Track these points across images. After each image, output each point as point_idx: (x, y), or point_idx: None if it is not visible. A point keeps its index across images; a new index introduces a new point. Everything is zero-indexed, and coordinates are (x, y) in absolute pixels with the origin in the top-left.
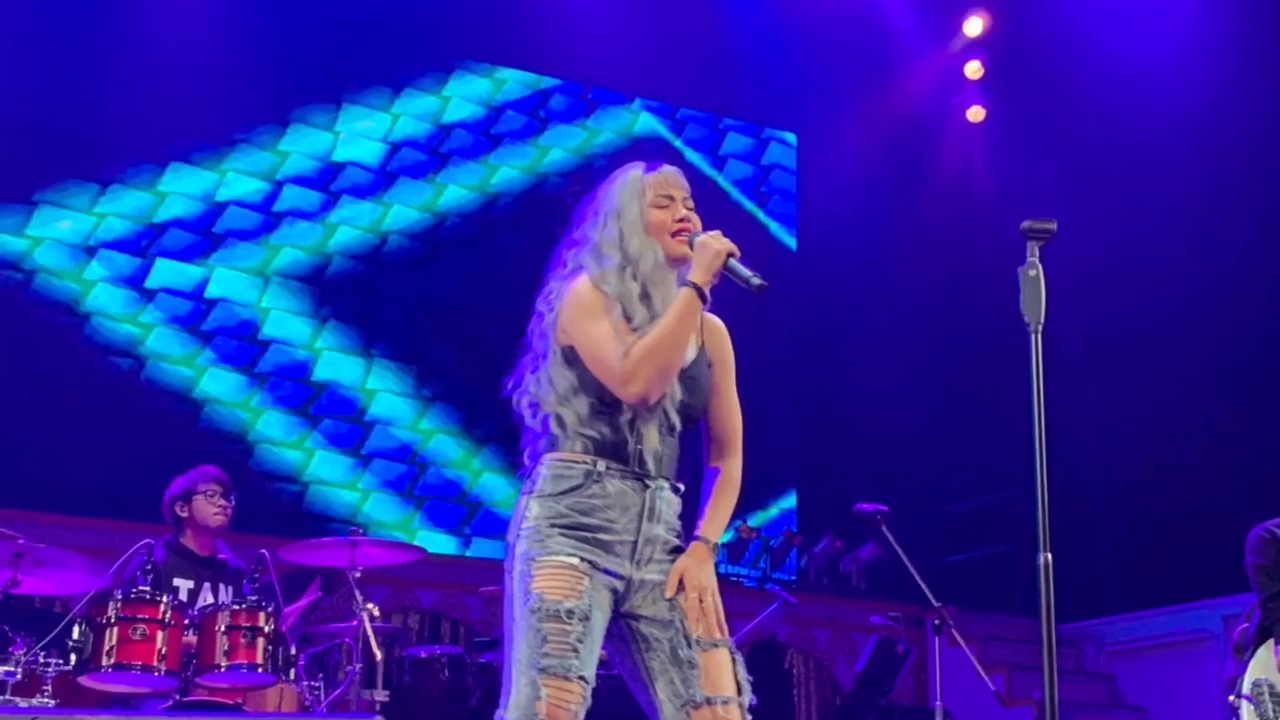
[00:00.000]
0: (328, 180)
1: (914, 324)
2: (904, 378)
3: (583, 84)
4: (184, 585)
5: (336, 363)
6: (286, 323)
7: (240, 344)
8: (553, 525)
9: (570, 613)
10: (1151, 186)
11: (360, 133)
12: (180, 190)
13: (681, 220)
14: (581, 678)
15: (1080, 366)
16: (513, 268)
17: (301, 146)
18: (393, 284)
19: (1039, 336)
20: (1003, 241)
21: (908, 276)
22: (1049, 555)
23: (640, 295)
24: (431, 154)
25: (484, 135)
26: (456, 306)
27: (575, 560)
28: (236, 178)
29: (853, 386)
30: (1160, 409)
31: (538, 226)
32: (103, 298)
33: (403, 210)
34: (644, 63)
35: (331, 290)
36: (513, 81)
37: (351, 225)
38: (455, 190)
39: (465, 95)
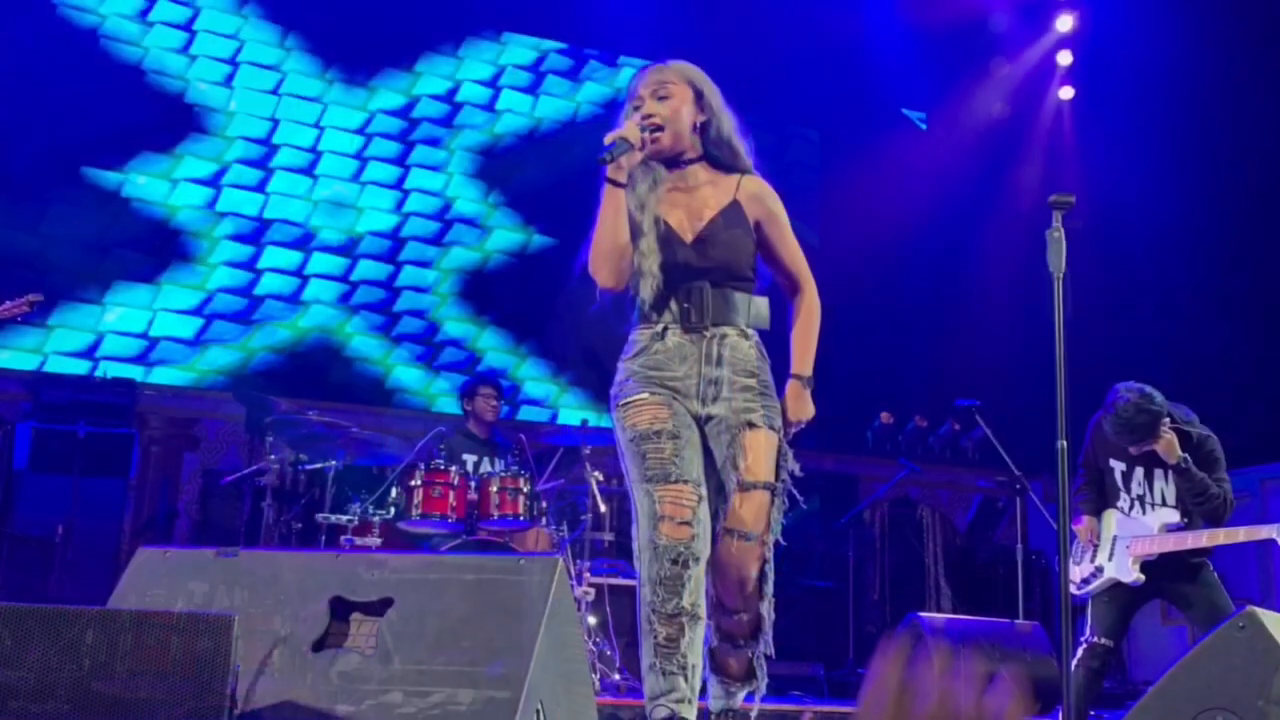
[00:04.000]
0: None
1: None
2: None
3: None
4: (469, 459)
5: None
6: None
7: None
8: (631, 377)
9: (658, 433)
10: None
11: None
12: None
13: (645, 117)
14: (685, 480)
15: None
16: None
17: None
18: None
19: (1060, 285)
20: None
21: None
22: (1064, 442)
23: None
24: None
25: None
26: None
27: (653, 395)
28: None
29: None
30: None
31: None
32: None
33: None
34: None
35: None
36: (550, 52)
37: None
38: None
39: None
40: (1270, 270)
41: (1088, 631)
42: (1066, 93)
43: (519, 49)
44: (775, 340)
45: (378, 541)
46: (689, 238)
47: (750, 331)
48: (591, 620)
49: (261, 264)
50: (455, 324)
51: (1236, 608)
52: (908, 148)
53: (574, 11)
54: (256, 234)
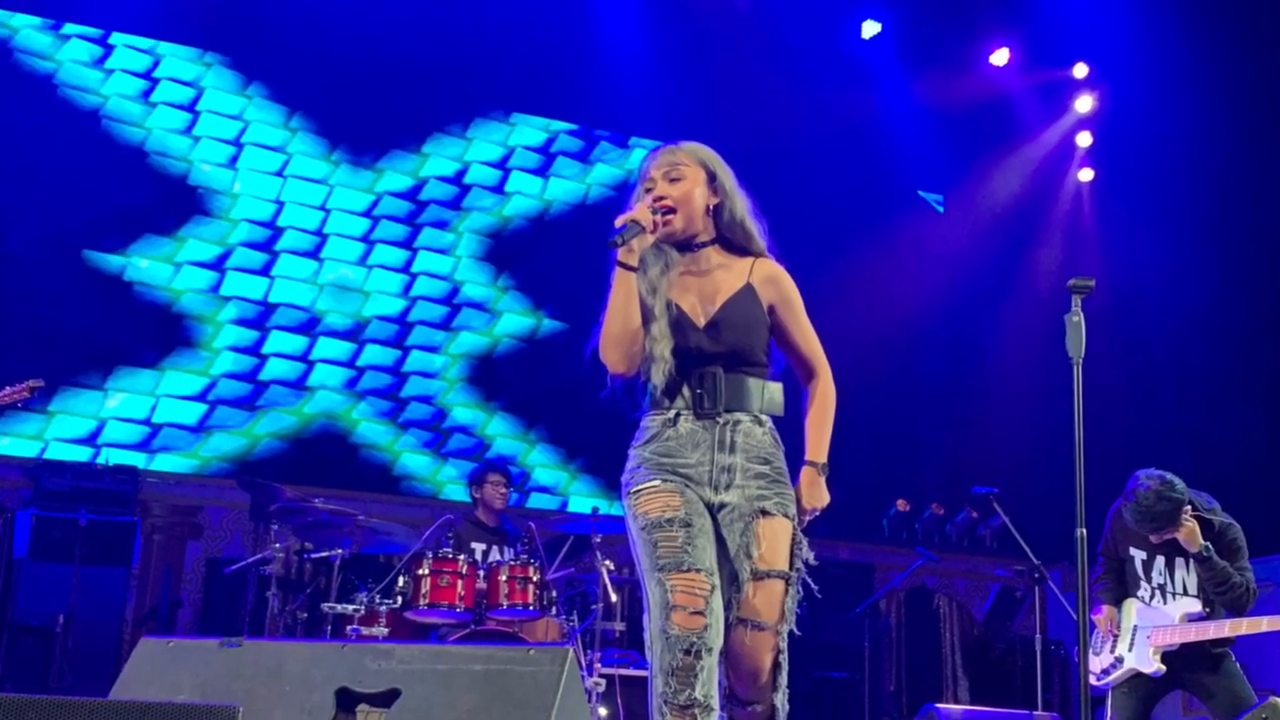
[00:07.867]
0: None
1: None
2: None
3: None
4: (478, 547)
5: None
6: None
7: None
8: (643, 464)
9: (670, 521)
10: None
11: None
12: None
13: (657, 199)
14: (698, 569)
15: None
16: None
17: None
18: None
19: (1079, 369)
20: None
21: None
22: (1083, 530)
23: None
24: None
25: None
26: None
27: (665, 482)
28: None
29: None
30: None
31: None
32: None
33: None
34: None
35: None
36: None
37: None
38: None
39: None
40: None
41: None
42: (1086, 174)
43: (528, 130)
44: (789, 426)
45: (384, 631)
46: (701, 322)
47: (764, 418)
48: (602, 712)
49: (266, 349)
50: (463, 410)
51: (1259, 699)
52: (925, 230)
53: (584, 92)
54: (261, 318)
